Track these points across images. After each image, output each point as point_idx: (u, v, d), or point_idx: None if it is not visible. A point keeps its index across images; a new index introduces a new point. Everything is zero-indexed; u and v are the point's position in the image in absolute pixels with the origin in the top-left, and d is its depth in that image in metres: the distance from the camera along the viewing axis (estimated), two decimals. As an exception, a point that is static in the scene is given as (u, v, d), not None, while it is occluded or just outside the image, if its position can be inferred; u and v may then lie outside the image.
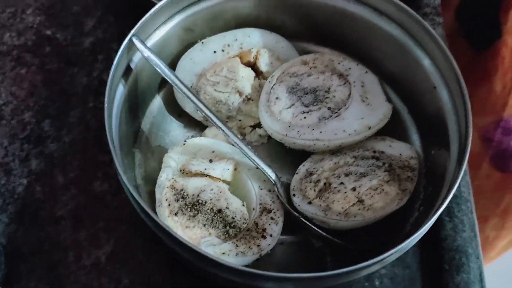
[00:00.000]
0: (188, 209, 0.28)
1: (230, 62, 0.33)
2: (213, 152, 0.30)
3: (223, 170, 0.29)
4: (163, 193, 0.28)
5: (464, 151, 0.26)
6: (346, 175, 0.29)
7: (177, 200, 0.28)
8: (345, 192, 0.28)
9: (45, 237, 0.32)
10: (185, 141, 0.31)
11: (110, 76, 0.27)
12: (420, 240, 0.31)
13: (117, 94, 0.29)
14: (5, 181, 0.33)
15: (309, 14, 0.34)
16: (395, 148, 0.31)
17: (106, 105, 0.26)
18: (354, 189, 0.28)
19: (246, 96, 0.33)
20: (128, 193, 0.27)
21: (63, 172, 0.34)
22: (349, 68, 0.33)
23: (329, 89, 0.32)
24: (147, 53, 0.29)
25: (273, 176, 0.29)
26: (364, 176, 0.29)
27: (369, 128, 0.31)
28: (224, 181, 0.29)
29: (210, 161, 0.30)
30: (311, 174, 0.30)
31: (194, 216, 0.28)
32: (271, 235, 0.28)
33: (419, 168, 0.30)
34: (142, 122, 0.33)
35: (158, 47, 0.32)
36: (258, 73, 0.34)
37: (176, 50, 0.33)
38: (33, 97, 0.37)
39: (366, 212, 0.28)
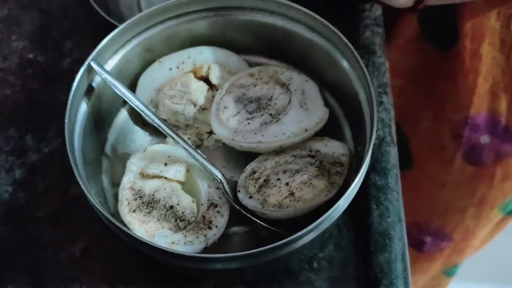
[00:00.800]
0: (145, 207, 0.32)
1: (184, 77, 0.37)
2: (168, 156, 0.35)
3: (176, 172, 0.34)
4: (123, 194, 0.33)
5: (368, 149, 0.30)
6: (284, 172, 0.34)
7: (135, 199, 0.33)
8: (280, 187, 0.33)
9: (27, 237, 0.36)
10: (145, 148, 0.35)
11: (70, 98, 0.32)
12: (355, 227, 0.35)
13: (80, 111, 0.33)
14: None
15: (255, 31, 0.38)
16: (330, 147, 0.35)
17: (66, 121, 0.31)
18: (287, 183, 0.33)
19: (200, 106, 0.37)
20: (89, 199, 0.31)
21: (43, 179, 0.38)
22: (291, 78, 0.37)
23: (271, 97, 0.37)
24: (104, 75, 0.33)
25: (219, 175, 0.34)
26: (298, 172, 0.33)
27: (306, 130, 0.35)
28: (178, 181, 0.34)
29: (165, 164, 0.34)
30: (254, 172, 0.34)
31: (149, 213, 0.32)
32: (216, 226, 0.32)
33: (349, 163, 0.34)
34: (109, 133, 0.37)
35: (119, 67, 0.36)
36: (211, 86, 0.38)
37: (137, 68, 0.38)
38: (16, 114, 0.42)
39: (297, 203, 0.32)
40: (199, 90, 0.37)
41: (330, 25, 0.34)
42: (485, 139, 0.53)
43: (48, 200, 0.37)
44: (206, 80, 0.38)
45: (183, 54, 0.38)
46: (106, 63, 0.35)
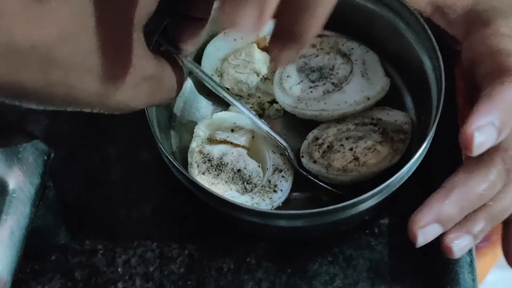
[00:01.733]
0: (214, 169, 0.34)
1: (247, 47, 0.38)
2: (234, 123, 0.36)
3: (242, 137, 0.35)
4: (193, 157, 0.35)
5: (435, 117, 0.30)
6: (347, 138, 0.35)
7: (205, 162, 0.34)
8: (344, 152, 0.34)
9: (101, 197, 0.39)
10: (211, 115, 0.37)
11: None
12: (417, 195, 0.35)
13: None
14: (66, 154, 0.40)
15: None
16: (391, 116, 0.36)
17: None
18: (351, 149, 0.34)
19: (263, 76, 0.38)
20: (165, 158, 0.33)
21: (115, 144, 0.41)
22: (352, 49, 0.38)
23: (333, 67, 0.37)
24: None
25: (283, 143, 0.35)
26: (361, 139, 0.34)
27: (368, 99, 0.36)
28: (243, 146, 0.35)
29: (232, 130, 0.36)
30: (317, 139, 0.36)
31: (218, 175, 0.34)
32: (281, 190, 0.34)
33: (412, 131, 0.35)
34: (176, 102, 0.39)
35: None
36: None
37: (203, 39, 0.39)
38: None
39: (361, 167, 0.33)
40: (262, 60, 0.38)
41: (396, -6, 0.34)
42: None
43: (119, 164, 0.40)
44: (267, 51, 0.39)
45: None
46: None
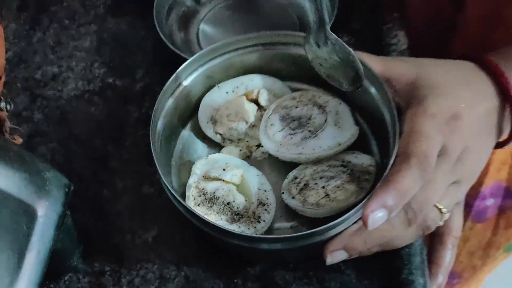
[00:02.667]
0: (207, 202, 0.40)
1: (238, 99, 0.45)
2: (226, 163, 0.43)
3: (232, 175, 0.41)
4: (190, 191, 0.41)
5: (391, 160, 0.37)
6: (321, 178, 0.41)
7: (200, 196, 0.41)
8: (317, 190, 0.40)
9: (109, 225, 0.45)
10: (207, 156, 0.44)
11: (152, 119, 0.40)
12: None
13: (158, 126, 0.42)
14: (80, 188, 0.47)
15: (296, 62, 0.46)
16: (359, 159, 0.42)
17: (150, 134, 0.40)
18: (323, 187, 0.40)
19: (251, 124, 0.45)
20: (167, 191, 0.39)
21: (122, 180, 0.47)
22: (327, 101, 0.45)
23: (310, 117, 0.44)
24: None
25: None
26: (332, 178, 0.41)
27: (339, 144, 0.42)
28: (233, 183, 0.42)
29: (224, 169, 0.42)
30: (296, 178, 0.42)
31: (211, 207, 0.40)
32: (264, 221, 0.40)
33: (376, 172, 0.41)
34: (176, 144, 0.46)
35: (187, 90, 0.45)
36: (260, 107, 0.46)
37: (200, 92, 0.47)
38: (100, 128, 0.51)
39: (332, 203, 0.39)
40: (250, 110, 0.45)
41: (360, 54, 0.41)
42: (490, 201, 0.64)
43: (125, 197, 0.46)
44: (256, 102, 0.46)
45: (237, 80, 0.46)
46: (178, 88, 0.44)
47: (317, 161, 0.43)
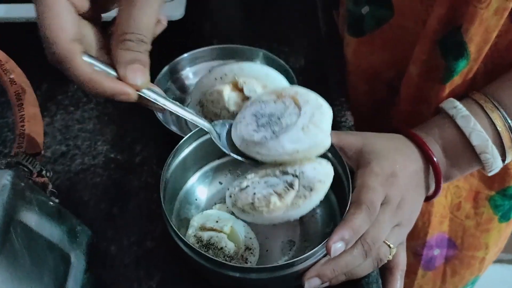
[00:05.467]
0: (204, 248, 0.49)
1: (223, 87, 0.49)
2: (218, 217, 0.52)
3: (224, 226, 0.51)
4: (189, 240, 0.50)
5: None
6: (265, 182, 0.41)
7: (197, 243, 0.49)
8: (247, 195, 0.41)
9: (118, 275, 0.52)
10: (202, 212, 0.53)
11: (161, 195, 0.48)
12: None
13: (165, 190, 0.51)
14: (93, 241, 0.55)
15: None
16: (316, 171, 0.41)
17: (162, 198, 0.48)
18: (254, 193, 0.40)
19: (233, 112, 0.49)
20: (173, 235, 0.47)
21: (127, 236, 0.55)
22: (307, 101, 0.41)
23: (281, 116, 0.41)
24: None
25: (207, 125, 0.43)
26: (271, 186, 0.40)
27: (297, 151, 0.40)
28: (224, 232, 0.51)
29: (217, 221, 0.51)
30: (245, 177, 0.44)
31: (207, 251, 0.49)
32: (250, 262, 0.49)
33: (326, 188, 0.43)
34: (175, 204, 0.55)
35: (184, 160, 0.55)
36: (245, 97, 0.50)
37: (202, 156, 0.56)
38: (105, 194, 0.60)
39: (255, 212, 0.41)
40: (231, 99, 0.49)
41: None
42: (437, 251, 0.76)
43: (132, 251, 0.54)
44: (241, 91, 0.50)
45: (227, 67, 0.49)
46: (182, 152, 0.53)
47: (278, 164, 0.41)
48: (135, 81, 0.37)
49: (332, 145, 0.51)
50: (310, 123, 0.40)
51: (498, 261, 1.00)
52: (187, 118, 0.42)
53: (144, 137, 0.65)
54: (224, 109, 0.47)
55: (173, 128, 0.61)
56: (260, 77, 0.47)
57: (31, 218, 0.39)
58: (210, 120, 0.45)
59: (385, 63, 0.67)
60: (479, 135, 0.53)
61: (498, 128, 0.54)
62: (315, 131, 0.40)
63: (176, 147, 0.52)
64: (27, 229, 0.39)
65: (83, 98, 0.70)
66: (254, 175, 0.42)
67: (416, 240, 0.74)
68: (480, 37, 0.54)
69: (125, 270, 0.53)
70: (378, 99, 0.71)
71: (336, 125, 0.63)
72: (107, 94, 0.37)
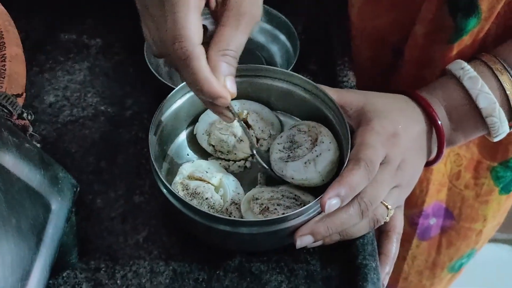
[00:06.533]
0: (189, 195, 0.47)
1: None
2: (209, 168, 0.50)
3: (213, 177, 0.49)
4: (176, 186, 0.48)
5: None
6: (278, 205, 0.46)
7: (183, 190, 0.47)
8: (278, 214, 0.45)
9: (104, 229, 0.50)
10: (194, 160, 0.51)
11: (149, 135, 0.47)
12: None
13: (152, 138, 0.49)
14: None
15: (282, 95, 0.54)
16: (306, 196, 0.48)
17: (149, 143, 0.46)
18: (283, 213, 0.45)
19: (239, 138, 0.52)
20: (157, 179, 0.45)
21: (115, 191, 0.53)
22: (322, 142, 0.49)
23: (300, 146, 0.49)
24: None
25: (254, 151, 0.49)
26: (288, 208, 0.46)
27: (293, 178, 0.48)
28: (212, 184, 0.49)
29: (206, 172, 0.49)
30: (256, 198, 0.47)
31: (191, 200, 0.47)
32: (234, 217, 0.47)
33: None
34: (169, 150, 0.52)
35: (186, 106, 0.53)
36: (248, 126, 0.53)
37: (201, 109, 0.54)
38: (93, 147, 0.57)
39: None
40: (238, 126, 0.51)
41: (321, 87, 0.51)
42: (433, 220, 0.74)
43: (118, 205, 0.52)
44: (245, 121, 0.54)
45: (232, 102, 0.52)
46: (174, 103, 0.51)
47: (273, 188, 0.49)
48: (233, 90, 0.42)
49: (334, 104, 0.49)
50: (312, 161, 0.48)
51: (493, 240, 0.99)
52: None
53: (135, 90, 0.62)
54: (231, 135, 0.52)
55: (166, 81, 0.58)
56: (257, 110, 0.54)
57: (7, 160, 0.37)
58: (214, 150, 0.53)
59: (391, 25, 0.64)
60: (486, 97, 0.51)
61: (507, 91, 0.51)
62: (312, 169, 0.48)
63: (167, 97, 0.50)
64: (3, 170, 0.36)
65: (73, 49, 0.67)
66: (263, 199, 0.48)
67: (412, 208, 0.72)
68: None
69: (111, 224, 0.51)
70: (383, 64, 0.68)
71: (337, 85, 0.61)
72: (211, 95, 0.40)
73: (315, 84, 0.51)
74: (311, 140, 0.49)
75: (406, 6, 0.60)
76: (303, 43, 0.64)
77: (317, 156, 0.48)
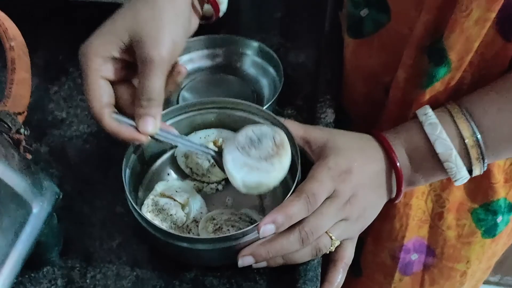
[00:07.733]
0: (156, 211, 0.53)
1: (206, 144, 0.57)
2: (180, 188, 0.56)
3: (181, 197, 0.55)
4: (147, 201, 0.54)
5: None
6: (232, 226, 0.51)
7: (152, 205, 0.53)
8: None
9: (84, 233, 0.57)
10: (168, 180, 0.57)
11: (124, 158, 0.53)
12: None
13: (130, 161, 0.55)
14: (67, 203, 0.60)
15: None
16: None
17: (123, 169, 0.53)
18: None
19: (213, 163, 0.57)
20: (128, 200, 0.52)
21: (100, 200, 0.60)
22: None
23: (261, 142, 0.52)
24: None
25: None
26: (240, 229, 0.48)
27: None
28: (179, 202, 0.55)
29: (176, 191, 0.55)
30: (213, 219, 0.52)
31: (157, 215, 0.53)
32: (193, 233, 0.52)
33: None
34: (152, 167, 0.59)
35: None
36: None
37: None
38: (91, 160, 0.65)
39: None
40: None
41: (287, 123, 0.56)
42: (414, 256, 0.76)
43: (101, 213, 0.59)
44: (220, 147, 0.58)
45: (210, 130, 0.59)
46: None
47: (230, 211, 0.53)
48: (146, 130, 0.50)
49: (290, 135, 0.53)
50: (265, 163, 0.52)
51: (486, 282, 0.97)
52: (194, 149, 0.54)
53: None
54: (205, 160, 0.58)
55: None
56: (229, 137, 0.59)
57: (-2, 167, 0.44)
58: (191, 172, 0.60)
59: (383, 66, 0.68)
60: (443, 143, 0.54)
61: (465, 139, 0.54)
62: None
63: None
64: (-7, 175, 0.44)
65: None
66: (219, 219, 0.53)
67: (393, 242, 0.74)
68: (461, 46, 0.54)
69: (92, 229, 0.58)
70: (375, 101, 0.71)
71: (315, 121, 0.65)
72: (127, 140, 0.51)
73: (279, 119, 0.56)
74: (270, 140, 0.53)
75: (395, 51, 0.64)
76: (294, 79, 0.69)
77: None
